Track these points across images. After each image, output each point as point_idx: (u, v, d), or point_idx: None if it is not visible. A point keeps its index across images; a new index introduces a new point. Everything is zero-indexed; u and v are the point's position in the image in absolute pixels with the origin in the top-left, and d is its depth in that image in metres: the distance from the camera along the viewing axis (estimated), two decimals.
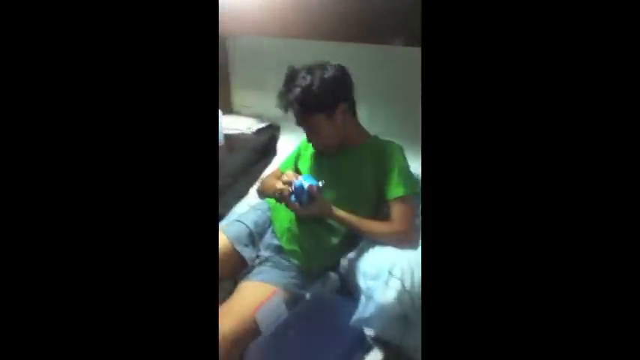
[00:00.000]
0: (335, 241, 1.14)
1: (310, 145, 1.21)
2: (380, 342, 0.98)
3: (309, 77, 1.05)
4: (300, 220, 1.15)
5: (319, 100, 1.05)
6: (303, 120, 1.09)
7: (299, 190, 1.05)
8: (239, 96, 1.86)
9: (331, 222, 1.13)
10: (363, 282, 1.03)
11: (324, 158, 1.20)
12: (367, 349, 0.97)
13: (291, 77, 1.08)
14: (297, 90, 1.04)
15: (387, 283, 0.97)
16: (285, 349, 0.89)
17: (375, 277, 1.00)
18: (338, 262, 1.19)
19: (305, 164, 1.25)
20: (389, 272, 0.98)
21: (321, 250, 1.15)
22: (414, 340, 0.95)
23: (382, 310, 0.95)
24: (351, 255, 1.14)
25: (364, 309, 0.99)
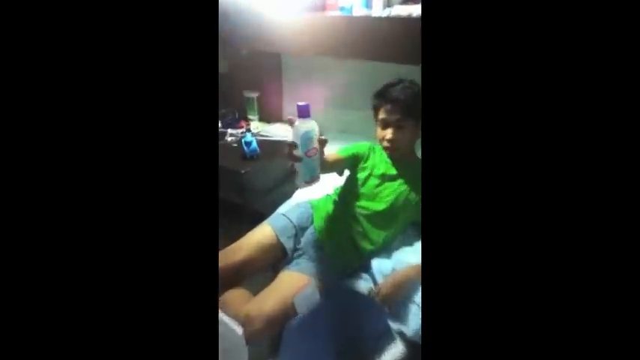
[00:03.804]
0: (369, 247, 1.24)
1: (375, 153, 1.32)
2: (404, 337, 1.07)
3: (410, 86, 1.22)
4: (337, 220, 1.27)
5: (415, 106, 1.18)
6: (397, 117, 1.21)
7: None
8: (288, 107, 2.03)
9: (367, 230, 1.24)
10: None
11: (398, 162, 1.29)
12: (392, 341, 1.07)
13: (396, 81, 1.23)
14: (407, 90, 1.20)
15: None
16: (316, 329, 1.01)
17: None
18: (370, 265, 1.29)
19: (379, 169, 1.30)
20: None
21: (354, 251, 1.25)
22: None
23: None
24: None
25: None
